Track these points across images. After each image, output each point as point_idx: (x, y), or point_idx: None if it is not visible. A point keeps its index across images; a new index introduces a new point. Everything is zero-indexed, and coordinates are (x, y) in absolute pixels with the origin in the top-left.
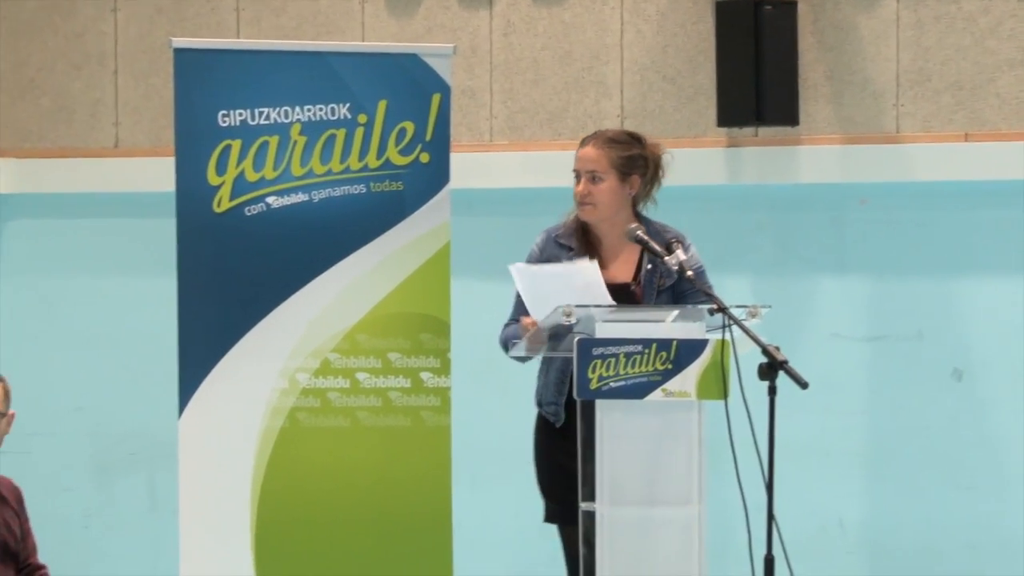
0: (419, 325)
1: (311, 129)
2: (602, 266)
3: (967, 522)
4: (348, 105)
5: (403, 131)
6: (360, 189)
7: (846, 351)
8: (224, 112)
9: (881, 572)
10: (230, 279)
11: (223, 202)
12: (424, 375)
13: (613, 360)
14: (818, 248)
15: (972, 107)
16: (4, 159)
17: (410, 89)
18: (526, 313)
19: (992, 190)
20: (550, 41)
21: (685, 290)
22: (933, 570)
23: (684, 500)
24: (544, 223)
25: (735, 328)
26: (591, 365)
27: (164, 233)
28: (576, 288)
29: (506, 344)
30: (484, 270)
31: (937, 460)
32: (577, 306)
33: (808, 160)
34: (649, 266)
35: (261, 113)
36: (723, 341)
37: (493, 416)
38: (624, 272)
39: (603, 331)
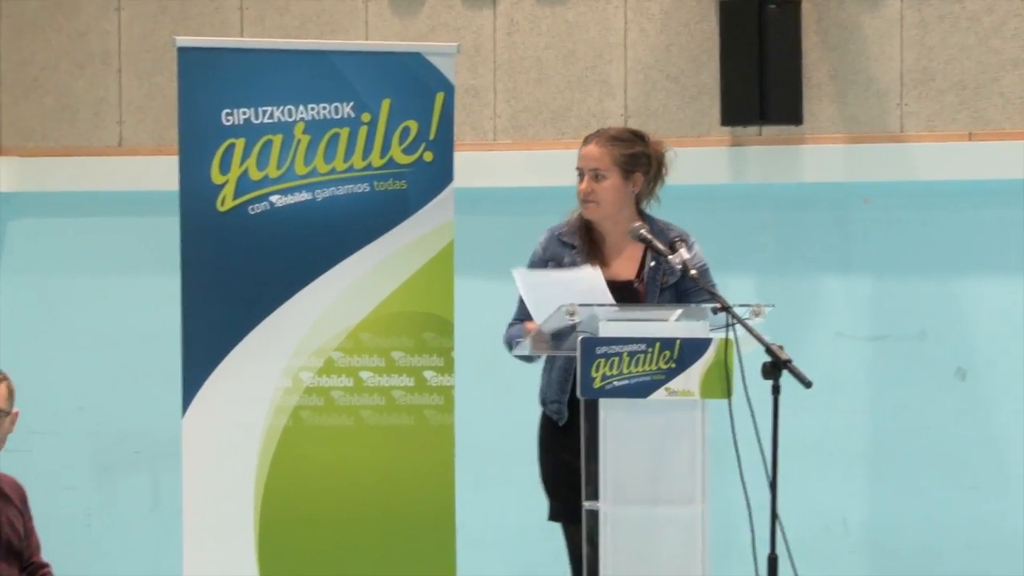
0: (422, 324)
1: (315, 128)
2: (605, 264)
3: (970, 521)
4: (352, 104)
5: (407, 130)
6: (363, 188)
7: (849, 350)
8: (228, 111)
9: (884, 571)
10: (234, 278)
11: (227, 201)
12: (427, 374)
13: (616, 359)
14: (822, 247)
15: (976, 106)
16: (8, 158)
17: (414, 88)
18: (530, 313)
19: (996, 189)
20: (554, 40)
21: (688, 288)
22: (935, 569)
23: (687, 499)
24: (547, 222)
25: (739, 327)
26: (595, 364)
27: (168, 232)
28: (578, 293)
29: (510, 343)
30: (487, 269)
31: (940, 459)
32: (580, 305)
33: (812, 159)
34: (652, 263)
35: (265, 112)
36: (727, 340)
37: (496, 415)
38: (627, 269)
39: (606, 330)
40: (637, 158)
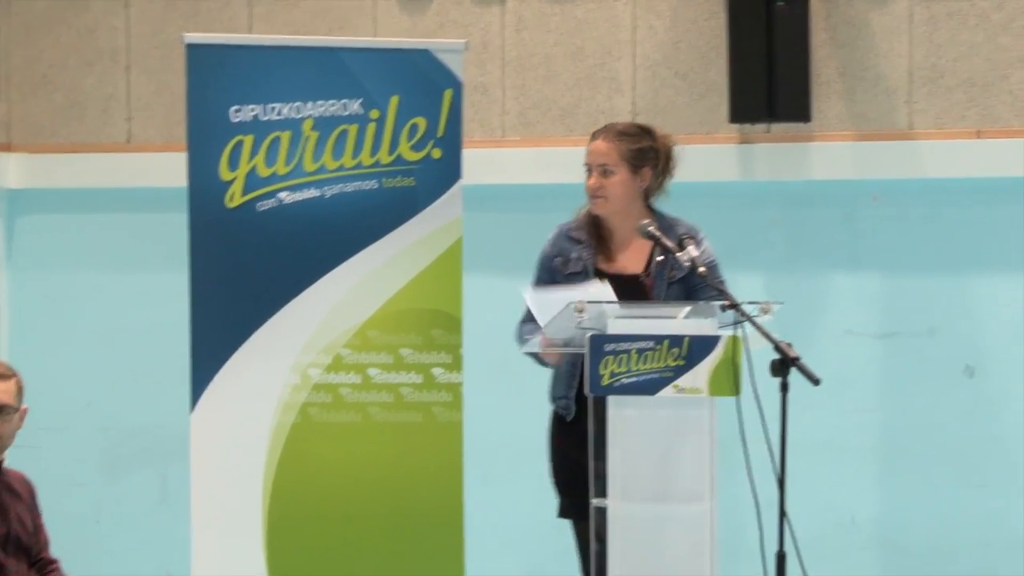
0: (431, 321)
1: (323, 124)
2: (612, 258)
3: (979, 519)
4: (360, 101)
5: (415, 127)
6: (372, 185)
7: (858, 347)
8: (236, 107)
9: (893, 569)
10: (242, 274)
11: (235, 197)
12: (436, 371)
13: (625, 356)
14: (830, 244)
15: (984, 104)
16: (17, 154)
17: (422, 85)
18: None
19: (1004, 187)
20: (562, 37)
21: (697, 284)
22: (945, 567)
23: (696, 496)
24: (556, 219)
25: (747, 324)
26: (603, 361)
27: (176, 228)
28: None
29: (521, 340)
30: (496, 266)
31: (949, 457)
32: (589, 302)
33: (820, 156)
34: (660, 258)
35: (273, 108)
36: (735, 337)
37: (505, 412)
38: (635, 264)
39: (615, 327)
40: (645, 153)
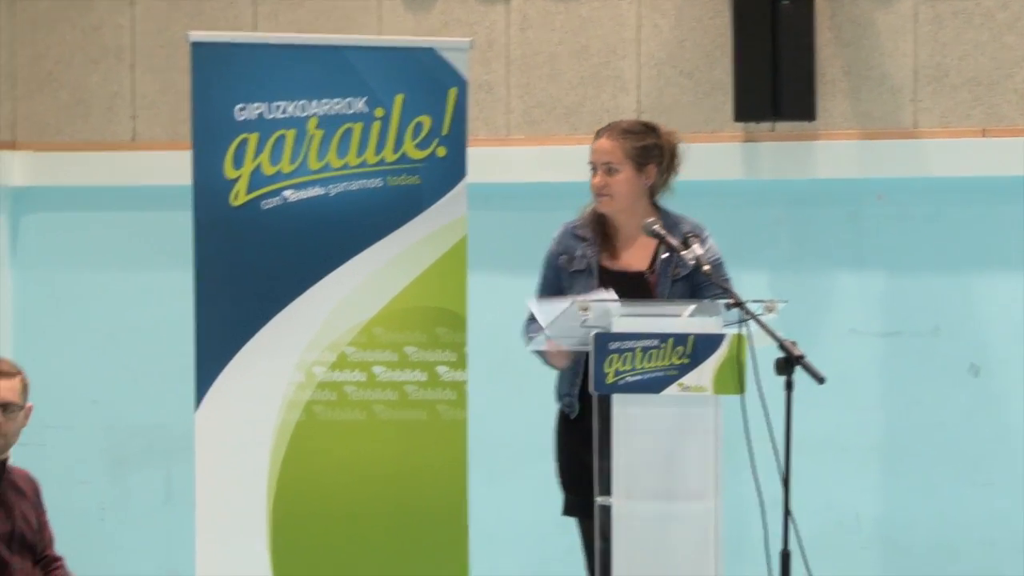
0: (435, 319)
1: (328, 123)
2: (617, 255)
3: (983, 518)
4: (365, 99)
5: (420, 125)
6: (377, 183)
7: (863, 346)
8: (241, 106)
9: (897, 567)
10: (247, 273)
11: (240, 196)
12: (440, 369)
13: (630, 354)
14: (835, 243)
15: (990, 103)
16: (21, 152)
17: (427, 83)
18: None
19: (1009, 186)
20: (567, 36)
21: (702, 282)
22: (949, 566)
23: (700, 495)
24: (560, 217)
25: (752, 323)
26: (607, 359)
27: (181, 226)
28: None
29: (527, 338)
30: (500, 264)
31: (953, 456)
32: (594, 300)
33: (825, 155)
34: (665, 255)
35: (278, 107)
36: (740, 336)
37: (509, 410)
38: (639, 261)
39: (620, 325)
40: (649, 150)
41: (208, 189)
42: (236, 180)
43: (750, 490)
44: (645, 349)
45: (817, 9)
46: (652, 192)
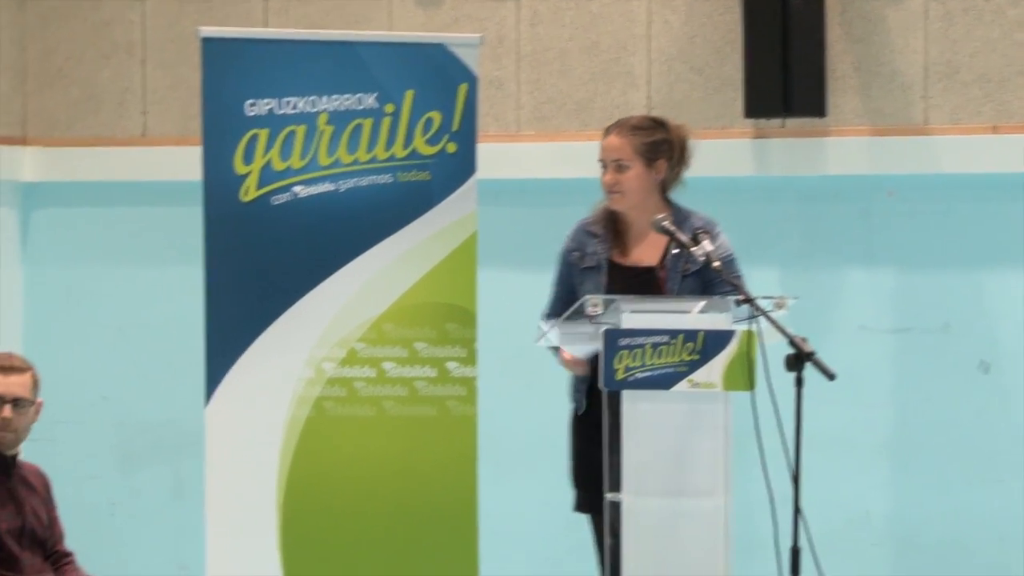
0: (445, 315)
1: (338, 119)
2: (628, 251)
3: (994, 515)
4: (375, 95)
5: (430, 121)
6: (387, 179)
7: (873, 343)
8: (251, 101)
9: (908, 565)
10: (257, 268)
11: (250, 191)
12: (450, 365)
13: (640, 351)
14: (845, 240)
15: (1000, 99)
16: (32, 148)
17: (437, 79)
18: (565, 305)
19: (1021, 183)
20: (577, 32)
21: (712, 279)
22: (960, 563)
23: (710, 491)
24: (571, 213)
25: (762, 319)
26: (617, 355)
27: (191, 222)
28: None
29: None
30: (510, 260)
31: (964, 453)
32: (604, 297)
33: (836, 152)
34: (675, 251)
35: (288, 102)
36: (750, 332)
37: (519, 406)
38: (650, 256)
39: (629, 321)
40: (659, 145)
41: (218, 185)
42: (246, 176)
43: (760, 487)
44: (655, 345)
45: (828, 5)
46: (664, 187)
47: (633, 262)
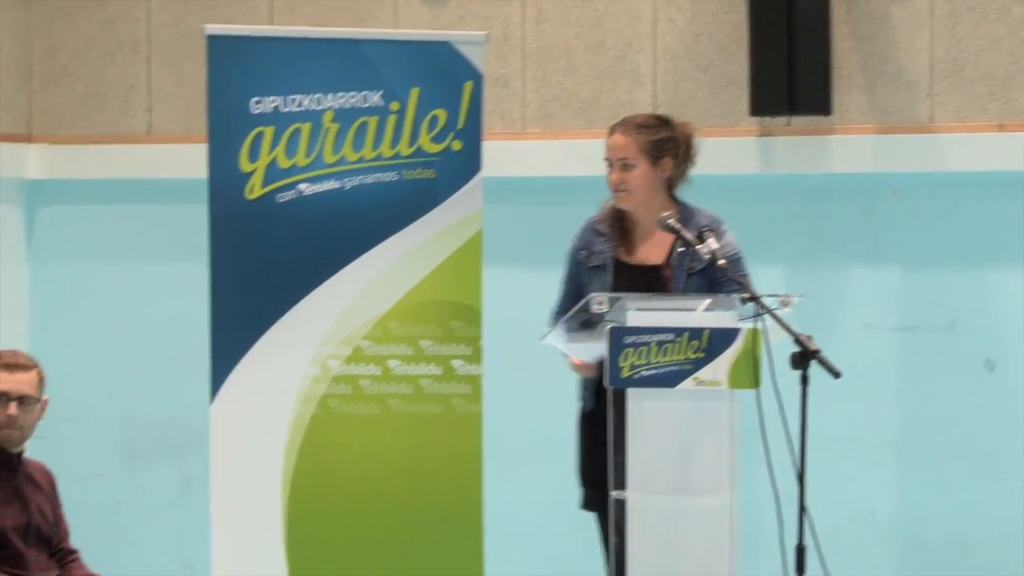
0: (450, 313)
1: (343, 116)
2: (634, 250)
3: (999, 514)
4: (380, 92)
5: (435, 119)
6: (392, 176)
7: (878, 341)
8: (257, 99)
9: (912, 563)
10: (262, 266)
11: (255, 189)
12: (455, 363)
13: (645, 348)
14: (850, 238)
15: (1006, 97)
16: (37, 145)
17: (442, 77)
18: (573, 303)
19: None
20: (583, 29)
21: (718, 277)
22: (964, 561)
23: (715, 489)
24: (576, 211)
25: (767, 317)
26: (623, 353)
27: (196, 220)
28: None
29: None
30: (516, 258)
31: (968, 451)
32: (609, 295)
33: (841, 149)
34: (681, 249)
35: (293, 100)
36: (755, 330)
37: (524, 404)
38: (656, 254)
39: (635, 319)
40: (664, 143)
41: (223, 182)
42: (251, 173)
43: (765, 485)
44: (660, 343)
45: (833, 3)
46: (670, 185)
47: (639, 261)
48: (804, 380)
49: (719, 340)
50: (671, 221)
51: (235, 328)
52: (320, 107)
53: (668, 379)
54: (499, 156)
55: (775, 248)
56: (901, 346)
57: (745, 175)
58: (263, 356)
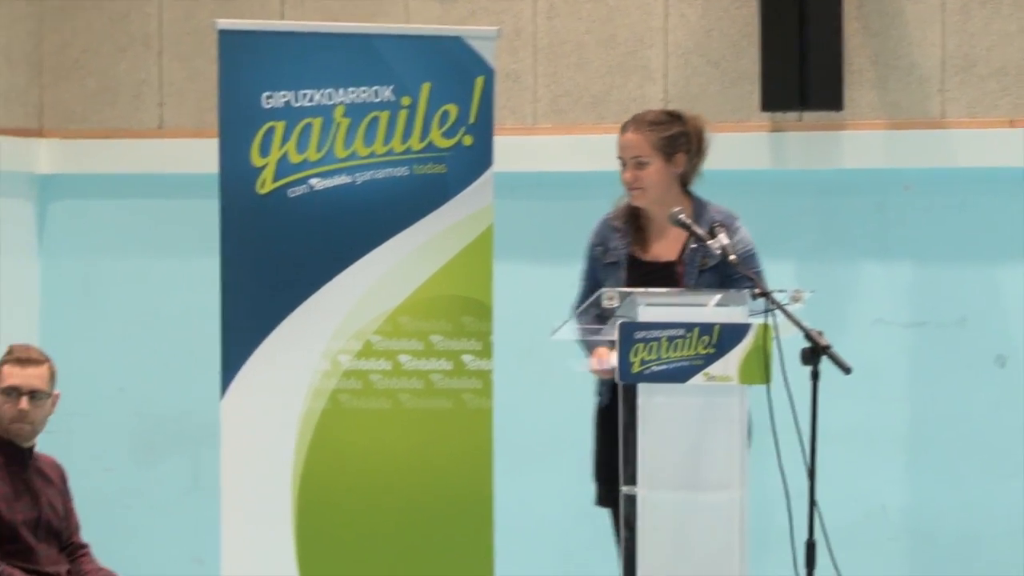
0: (461, 308)
1: (354, 111)
2: (648, 246)
3: (1009, 509)
4: (392, 87)
5: (446, 114)
6: (403, 171)
7: (889, 337)
8: (268, 94)
9: (923, 559)
10: (273, 261)
11: (266, 184)
12: (466, 358)
13: (655, 344)
14: (862, 233)
15: (1018, 93)
16: (49, 139)
17: (454, 72)
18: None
19: None
20: (594, 25)
21: (731, 273)
22: (975, 557)
23: (725, 485)
24: (587, 207)
25: (778, 312)
26: (633, 348)
27: (207, 214)
28: None
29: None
30: (527, 253)
31: (980, 447)
32: (620, 291)
33: (852, 145)
34: (693, 245)
35: (305, 95)
36: (766, 325)
37: (535, 400)
38: (669, 251)
39: (645, 315)
40: (676, 139)
41: (235, 177)
42: (263, 168)
43: (776, 480)
44: (671, 339)
45: None
46: (684, 180)
47: (653, 257)
48: (815, 376)
49: (730, 336)
50: (682, 216)
51: (246, 323)
52: (331, 102)
53: (679, 374)
54: (510, 151)
55: (786, 244)
56: (912, 342)
57: (756, 170)
58: (274, 351)
